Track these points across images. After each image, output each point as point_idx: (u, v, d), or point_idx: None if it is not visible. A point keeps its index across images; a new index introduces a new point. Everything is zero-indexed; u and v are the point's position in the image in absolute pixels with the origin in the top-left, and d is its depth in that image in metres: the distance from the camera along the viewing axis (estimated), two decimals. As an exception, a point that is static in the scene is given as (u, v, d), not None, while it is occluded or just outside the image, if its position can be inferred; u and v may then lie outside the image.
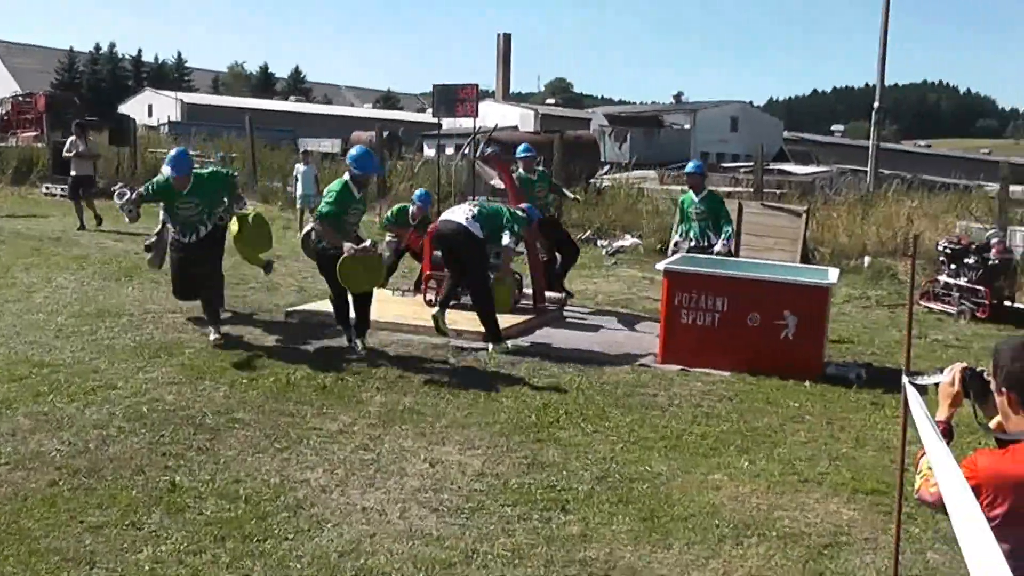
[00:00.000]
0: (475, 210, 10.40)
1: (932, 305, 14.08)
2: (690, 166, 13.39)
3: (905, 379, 3.88)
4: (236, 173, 12.31)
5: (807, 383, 9.18)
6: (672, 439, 7.46)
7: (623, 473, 6.68)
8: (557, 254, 13.12)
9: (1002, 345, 3.38)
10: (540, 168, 13.88)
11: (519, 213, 10.87)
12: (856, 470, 6.91)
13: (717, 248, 11.93)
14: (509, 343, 10.22)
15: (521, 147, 13.42)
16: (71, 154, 20.00)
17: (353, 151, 10.22)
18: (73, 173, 19.79)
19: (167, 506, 5.84)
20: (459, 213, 10.44)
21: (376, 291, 10.20)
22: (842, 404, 8.68)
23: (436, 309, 10.25)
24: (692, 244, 12.19)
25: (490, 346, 10.12)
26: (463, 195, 21.91)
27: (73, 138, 20.35)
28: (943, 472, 3.19)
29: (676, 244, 12.69)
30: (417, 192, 13.64)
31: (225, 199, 10.28)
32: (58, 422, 7.27)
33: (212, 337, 9.82)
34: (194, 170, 10.02)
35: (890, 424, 7.95)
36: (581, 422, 7.80)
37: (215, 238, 10.14)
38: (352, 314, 9.99)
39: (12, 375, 8.42)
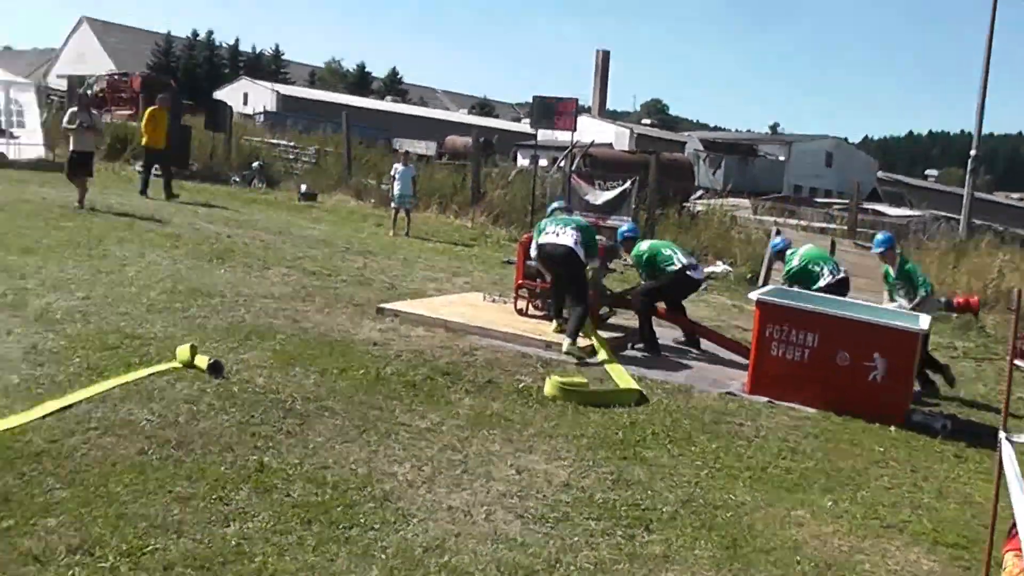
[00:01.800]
0: (580, 235, 11.22)
1: (1021, 363, 13.87)
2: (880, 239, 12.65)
3: (1002, 435, 3.88)
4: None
5: (892, 428, 9.14)
6: (757, 470, 7.47)
7: (707, 499, 6.69)
8: None
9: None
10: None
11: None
12: (938, 521, 6.85)
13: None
14: (578, 348, 10.45)
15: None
16: (72, 127, 17.89)
17: None
18: (72, 148, 17.91)
19: (255, 484, 5.89)
20: (566, 237, 11.14)
21: (468, 295, 10.31)
22: (926, 453, 8.62)
23: (568, 342, 10.51)
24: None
25: (566, 342, 10.48)
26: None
27: (74, 109, 18.32)
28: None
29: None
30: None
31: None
32: (148, 393, 7.34)
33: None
34: None
35: (973, 479, 7.93)
36: (667, 444, 7.83)
37: None
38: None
39: (104, 344, 8.54)
